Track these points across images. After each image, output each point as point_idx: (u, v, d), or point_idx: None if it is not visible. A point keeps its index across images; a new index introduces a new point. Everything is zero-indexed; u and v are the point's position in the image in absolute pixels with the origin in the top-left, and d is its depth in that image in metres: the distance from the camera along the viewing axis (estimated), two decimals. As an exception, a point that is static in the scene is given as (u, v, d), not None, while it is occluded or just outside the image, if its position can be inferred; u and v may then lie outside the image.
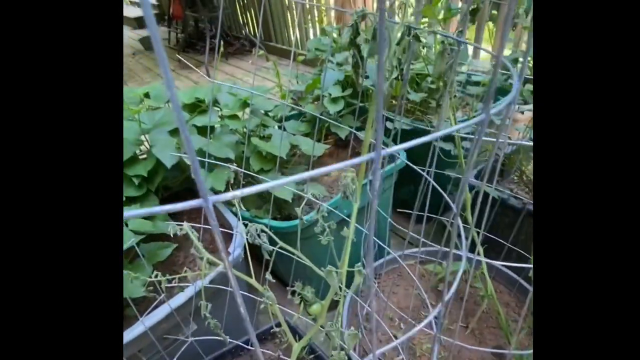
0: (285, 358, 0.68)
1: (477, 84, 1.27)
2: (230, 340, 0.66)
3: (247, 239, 0.54)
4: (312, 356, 0.68)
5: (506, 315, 0.75)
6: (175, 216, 0.91)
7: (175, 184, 0.95)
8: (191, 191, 1.00)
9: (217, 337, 0.61)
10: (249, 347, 0.70)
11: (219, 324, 0.57)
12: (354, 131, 0.78)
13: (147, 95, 0.90)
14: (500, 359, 0.70)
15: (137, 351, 0.63)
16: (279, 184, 0.15)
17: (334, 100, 1.17)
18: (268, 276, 0.57)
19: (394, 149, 0.19)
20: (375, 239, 0.75)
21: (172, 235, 0.63)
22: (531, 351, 0.66)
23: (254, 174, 0.85)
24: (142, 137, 0.84)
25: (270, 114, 1.03)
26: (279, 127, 1.05)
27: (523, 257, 0.86)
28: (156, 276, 0.56)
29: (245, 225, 0.56)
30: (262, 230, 0.56)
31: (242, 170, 0.77)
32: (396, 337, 0.75)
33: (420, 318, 0.80)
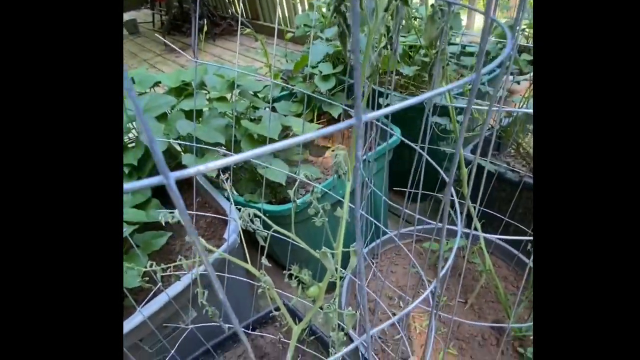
0: (287, 341, 0.68)
1: (471, 54, 1.24)
2: (230, 326, 0.65)
3: (240, 224, 0.53)
4: (312, 337, 0.68)
5: (504, 289, 0.76)
6: (168, 204, 0.89)
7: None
8: (183, 179, 0.98)
9: (217, 324, 0.61)
10: (250, 331, 0.70)
11: (217, 312, 0.56)
12: (347, 108, 0.75)
13: (131, 80, 0.87)
14: (500, 333, 0.71)
15: (138, 340, 0.63)
16: (248, 156, 0.14)
17: (325, 77, 1.14)
18: (264, 261, 0.56)
19: (376, 113, 0.17)
20: (372, 218, 0.74)
21: (163, 224, 0.62)
22: (530, 324, 0.66)
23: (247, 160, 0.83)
24: (130, 125, 0.82)
25: (259, 95, 1.00)
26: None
27: (520, 231, 0.85)
28: (151, 266, 0.55)
29: (239, 210, 0.54)
30: (256, 215, 0.55)
31: (232, 154, 0.75)
32: (395, 315, 0.75)
33: (418, 296, 0.80)
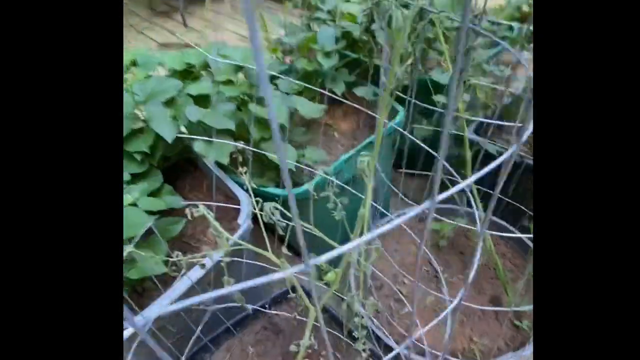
0: (301, 318, 0.73)
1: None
2: (252, 306, 0.70)
3: (259, 214, 0.55)
4: (325, 315, 0.73)
5: (503, 265, 0.81)
6: (177, 188, 0.90)
7: (174, 154, 0.94)
8: (191, 162, 0.98)
9: (236, 304, 0.65)
10: (266, 310, 0.75)
11: (242, 297, 0.60)
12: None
13: (134, 62, 0.85)
14: (496, 306, 0.77)
15: (168, 325, 0.67)
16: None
17: (327, 54, 1.12)
18: (284, 250, 0.59)
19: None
20: (374, 204, 0.77)
21: (189, 218, 0.64)
22: (529, 304, 0.72)
23: (254, 149, 0.84)
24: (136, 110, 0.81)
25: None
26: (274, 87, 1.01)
27: (520, 211, 0.90)
28: (177, 256, 0.57)
29: (251, 197, 0.57)
30: (275, 208, 0.57)
31: (242, 145, 0.76)
32: (401, 292, 0.80)
33: (421, 274, 0.85)
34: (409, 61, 0.34)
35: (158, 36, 2.76)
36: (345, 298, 0.68)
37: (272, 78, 1.04)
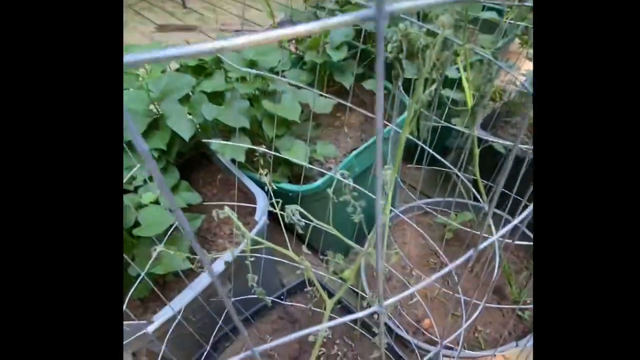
0: (316, 309, 0.77)
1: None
2: (270, 298, 0.73)
3: (279, 214, 0.58)
4: (339, 305, 0.77)
5: (508, 258, 0.85)
6: (191, 183, 0.92)
7: (187, 149, 0.95)
8: (204, 156, 1.00)
9: (253, 296, 0.68)
10: (282, 301, 0.79)
11: (264, 291, 0.63)
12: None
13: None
14: (500, 297, 0.81)
15: (190, 315, 0.71)
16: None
17: (338, 47, 1.12)
18: (304, 248, 0.62)
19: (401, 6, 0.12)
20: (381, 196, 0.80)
21: (216, 219, 0.66)
22: (530, 297, 0.76)
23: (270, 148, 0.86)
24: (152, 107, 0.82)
25: (275, 69, 1.00)
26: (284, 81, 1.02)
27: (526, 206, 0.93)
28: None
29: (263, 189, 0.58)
30: (297, 210, 0.60)
31: (263, 149, 0.77)
32: (409, 283, 0.84)
33: (429, 265, 0.89)
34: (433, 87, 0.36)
35: (157, 17, 2.70)
36: (358, 292, 0.72)
37: (282, 71, 1.05)
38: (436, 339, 0.75)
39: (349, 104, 0.56)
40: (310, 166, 0.75)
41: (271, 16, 1.27)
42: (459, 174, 0.79)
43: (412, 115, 0.40)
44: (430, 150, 0.58)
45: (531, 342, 0.70)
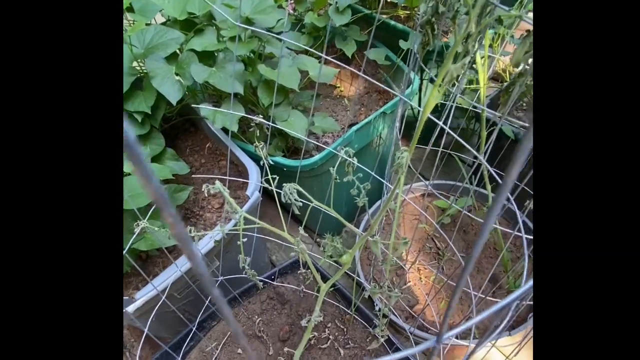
0: (308, 291, 0.74)
1: None
2: (259, 278, 0.70)
3: (275, 192, 0.53)
4: (332, 288, 0.74)
5: (504, 245, 0.83)
6: (177, 150, 0.86)
7: (172, 113, 0.88)
8: (190, 122, 0.93)
9: (242, 275, 0.64)
10: (272, 282, 0.75)
11: (255, 273, 0.59)
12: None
13: (129, 8, 0.75)
14: (495, 285, 0.80)
15: (174, 293, 0.67)
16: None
17: (342, 10, 1.03)
18: (301, 230, 0.58)
19: None
20: (379, 177, 0.76)
21: (207, 195, 0.60)
22: (526, 281, 0.75)
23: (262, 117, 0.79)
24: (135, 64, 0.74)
25: (273, 30, 0.91)
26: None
27: (527, 193, 0.90)
28: (189, 231, 0.56)
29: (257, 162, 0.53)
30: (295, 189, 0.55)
31: (256, 118, 0.71)
32: (403, 267, 0.82)
33: (424, 249, 0.86)
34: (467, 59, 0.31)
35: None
36: (354, 276, 0.69)
37: (279, 33, 0.96)
38: (428, 327, 0.74)
39: (361, 74, 0.50)
40: (311, 141, 0.70)
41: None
42: (479, 158, 0.74)
43: (439, 91, 0.35)
44: (450, 132, 0.53)
45: (522, 331, 0.69)
